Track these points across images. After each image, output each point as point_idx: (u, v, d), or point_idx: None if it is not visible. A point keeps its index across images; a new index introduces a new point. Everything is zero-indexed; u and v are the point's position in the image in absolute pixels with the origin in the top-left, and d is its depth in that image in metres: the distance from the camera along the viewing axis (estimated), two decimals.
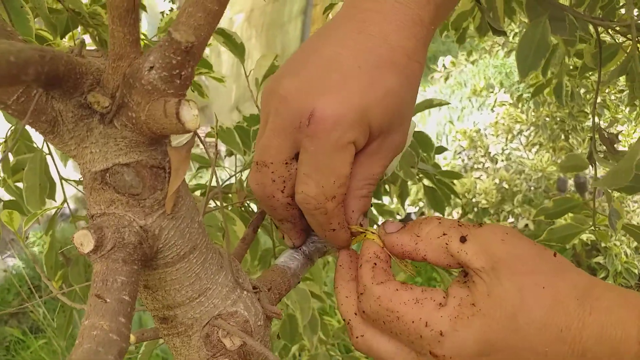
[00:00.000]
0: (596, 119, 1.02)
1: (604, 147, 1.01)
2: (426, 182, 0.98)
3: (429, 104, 0.88)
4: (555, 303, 0.36)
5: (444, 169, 1.04)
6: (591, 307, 0.35)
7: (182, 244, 0.35)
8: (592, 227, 1.00)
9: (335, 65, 0.41)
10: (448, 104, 0.92)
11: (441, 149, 1.13)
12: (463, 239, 0.39)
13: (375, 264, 0.41)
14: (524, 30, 0.71)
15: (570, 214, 1.04)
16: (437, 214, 0.96)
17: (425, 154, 0.94)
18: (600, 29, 0.92)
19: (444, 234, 0.40)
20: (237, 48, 0.75)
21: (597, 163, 0.97)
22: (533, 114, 2.90)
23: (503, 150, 3.37)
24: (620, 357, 0.34)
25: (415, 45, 0.42)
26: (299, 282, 0.48)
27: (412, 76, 0.42)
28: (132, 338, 0.40)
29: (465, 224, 0.40)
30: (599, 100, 2.51)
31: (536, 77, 2.23)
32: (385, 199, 1.21)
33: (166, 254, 0.34)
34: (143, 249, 0.32)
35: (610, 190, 0.96)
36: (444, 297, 0.38)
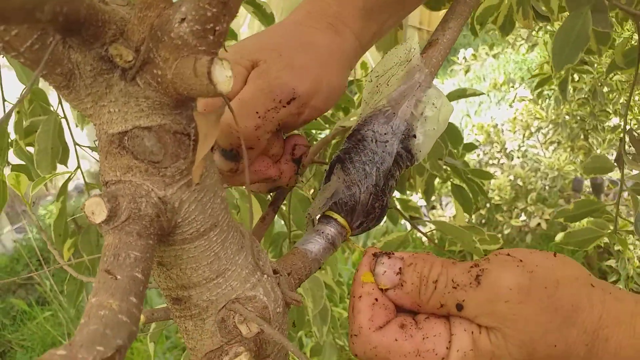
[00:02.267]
0: (624, 120, 0.98)
1: (633, 149, 0.97)
2: (455, 180, 0.94)
3: (462, 93, 0.85)
4: (565, 355, 0.35)
5: None
6: (597, 350, 0.35)
7: (202, 220, 0.31)
8: (613, 232, 0.96)
9: None
10: (482, 94, 0.88)
11: (471, 146, 1.07)
12: (460, 307, 0.36)
13: (376, 299, 0.37)
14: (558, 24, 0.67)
15: (590, 218, 1.00)
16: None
17: (454, 150, 0.90)
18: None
19: (442, 305, 0.37)
20: (267, 18, 0.72)
21: (625, 164, 0.93)
22: (553, 111, 2.84)
23: (520, 147, 3.32)
24: None
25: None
26: (319, 268, 0.45)
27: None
28: (142, 318, 0.37)
29: (460, 282, 0.36)
30: (622, 100, 2.46)
31: (540, 69, 2.16)
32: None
33: (185, 229, 0.31)
34: (160, 223, 0.29)
35: (638, 196, 0.92)
36: (447, 348, 0.35)
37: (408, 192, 1.01)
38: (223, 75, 0.25)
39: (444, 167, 0.88)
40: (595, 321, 0.35)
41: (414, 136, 0.48)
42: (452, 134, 0.93)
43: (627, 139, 0.97)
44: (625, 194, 0.99)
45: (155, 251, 0.29)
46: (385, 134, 0.47)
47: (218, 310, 0.35)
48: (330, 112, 0.87)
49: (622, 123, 0.95)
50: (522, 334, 0.34)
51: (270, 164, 0.47)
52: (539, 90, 3.12)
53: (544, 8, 0.83)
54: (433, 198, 3.20)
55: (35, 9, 0.20)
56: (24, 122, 0.75)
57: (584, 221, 1.06)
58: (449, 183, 0.98)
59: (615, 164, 0.95)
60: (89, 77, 0.27)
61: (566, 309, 0.35)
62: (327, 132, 0.84)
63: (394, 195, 1.09)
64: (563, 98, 1.35)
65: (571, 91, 2.69)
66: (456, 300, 0.36)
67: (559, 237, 0.95)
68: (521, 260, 0.36)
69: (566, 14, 0.72)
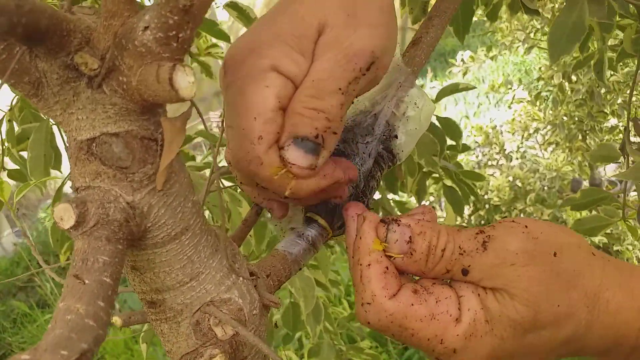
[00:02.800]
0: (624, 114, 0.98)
1: (638, 139, 0.97)
2: (447, 181, 0.94)
3: (455, 88, 0.85)
4: (567, 318, 0.36)
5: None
6: (599, 311, 0.37)
7: (173, 224, 0.32)
8: (623, 219, 0.96)
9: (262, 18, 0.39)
10: (474, 87, 0.88)
11: (465, 148, 1.08)
12: (465, 272, 0.37)
13: (387, 268, 0.37)
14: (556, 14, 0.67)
15: (600, 206, 1.00)
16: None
17: (451, 147, 0.90)
18: None
19: (448, 271, 0.38)
20: (251, 22, 0.72)
21: (629, 154, 0.93)
22: (551, 112, 2.85)
23: (518, 148, 3.32)
24: (617, 348, 0.38)
25: None
26: (300, 269, 0.46)
27: None
28: (119, 321, 0.37)
29: (467, 248, 0.37)
30: (619, 101, 2.46)
31: (576, 52, 2.15)
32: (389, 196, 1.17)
33: (155, 233, 0.32)
34: (130, 227, 0.30)
35: (621, 185, 0.91)
36: (458, 309, 0.37)
37: (401, 192, 1.01)
38: (185, 81, 0.26)
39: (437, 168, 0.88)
40: (595, 285, 0.37)
41: (396, 136, 0.49)
42: (449, 128, 0.93)
43: (631, 127, 0.97)
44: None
45: (125, 256, 0.30)
46: (365, 135, 0.48)
47: (193, 313, 0.35)
48: None
49: (628, 111, 0.94)
50: (527, 293, 0.36)
51: (332, 164, 0.40)
52: (538, 92, 3.13)
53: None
54: (432, 199, 3.20)
55: None
56: (15, 130, 0.76)
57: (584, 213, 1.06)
58: (441, 184, 0.99)
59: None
60: (56, 86, 0.28)
61: (568, 274, 0.37)
62: None
63: (389, 197, 1.10)
64: (599, 80, 1.30)
65: (569, 92, 2.70)
66: (462, 266, 0.37)
67: (570, 224, 0.95)
68: (526, 227, 0.37)
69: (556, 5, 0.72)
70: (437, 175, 0.94)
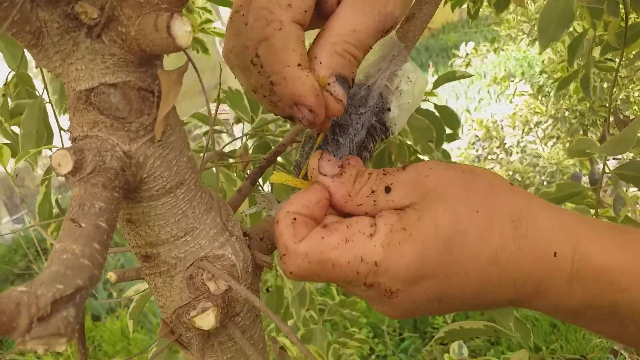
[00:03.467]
0: (612, 106, 0.98)
1: (618, 131, 0.97)
2: None
3: (452, 76, 0.85)
4: (489, 226, 0.35)
5: (457, 159, 1.01)
6: (526, 229, 0.35)
7: (168, 177, 0.33)
8: (595, 216, 0.97)
9: None
10: (471, 75, 0.88)
11: (452, 137, 1.08)
12: (388, 189, 0.37)
13: (294, 219, 0.37)
14: None
15: (571, 204, 1.00)
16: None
17: (451, 131, 0.91)
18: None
19: (372, 192, 0.38)
20: None
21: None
22: (553, 106, 2.85)
23: (519, 142, 3.32)
24: (553, 277, 0.35)
25: None
26: None
27: None
28: (113, 277, 0.38)
29: (390, 170, 0.38)
30: (622, 96, 2.46)
31: (562, 70, 2.16)
32: None
33: (151, 185, 0.32)
34: (125, 176, 0.30)
35: (624, 183, 0.92)
36: (371, 226, 0.36)
37: None
38: (182, 30, 0.27)
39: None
40: (518, 205, 0.36)
41: (389, 109, 0.50)
42: (448, 117, 0.94)
43: (611, 119, 0.97)
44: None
45: (120, 204, 0.30)
46: (359, 106, 0.48)
47: (186, 267, 0.36)
48: None
49: (608, 104, 0.95)
50: (443, 198, 0.36)
51: None
52: (540, 85, 3.13)
53: None
54: None
55: None
56: (9, 104, 0.77)
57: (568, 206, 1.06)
58: None
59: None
60: (56, 35, 0.28)
61: (484, 189, 0.37)
62: None
63: None
64: (586, 95, 1.34)
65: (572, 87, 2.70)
66: (385, 184, 0.38)
67: None
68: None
69: None
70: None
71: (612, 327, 0.38)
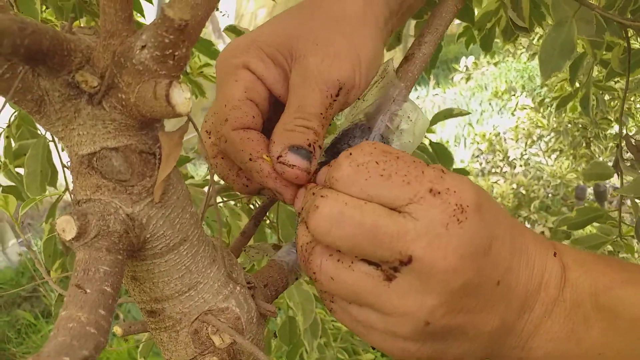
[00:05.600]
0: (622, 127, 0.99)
1: (631, 155, 0.97)
2: None
3: (448, 114, 0.86)
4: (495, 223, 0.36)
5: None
6: (523, 240, 0.38)
7: (171, 235, 0.33)
8: (618, 238, 0.96)
9: None
10: (468, 113, 0.88)
11: (461, 172, 1.09)
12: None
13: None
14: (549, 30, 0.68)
15: (596, 224, 1.00)
16: None
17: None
18: (630, 33, 0.88)
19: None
20: None
21: (623, 171, 0.93)
22: (555, 119, 2.85)
23: (522, 155, 3.32)
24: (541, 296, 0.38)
25: None
26: (297, 279, 0.46)
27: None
28: (119, 331, 0.38)
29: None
30: (626, 107, 2.46)
31: (561, 89, 2.17)
32: None
33: (154, 244, 0.33)
34: (129, 238, 0.31)
35: (638, 201, 0.92)
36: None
37: None
38: (182, 97, 0.27)
39: None
40: (510, 223, 0.37)
41: None
42: (442, 154, 0.94)
43: (623, 144, 0.97)
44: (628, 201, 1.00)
45: (125, 266, 0.31)
46: None
47: (191, 322, 0.36)
48: None
49: (618, 130, 0.95)
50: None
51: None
52: (541, 98, 3.13)
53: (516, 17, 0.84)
54: None
55: None
56: (13, 146, 0.77)
57: (587, 228, 1.06)
58: None
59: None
60: (58, 103, 0.29)
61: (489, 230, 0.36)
62: None
63: None
64: (586, 115, 1.34)
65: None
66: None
67: (567, 242, 0.95)
68: None
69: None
70: None
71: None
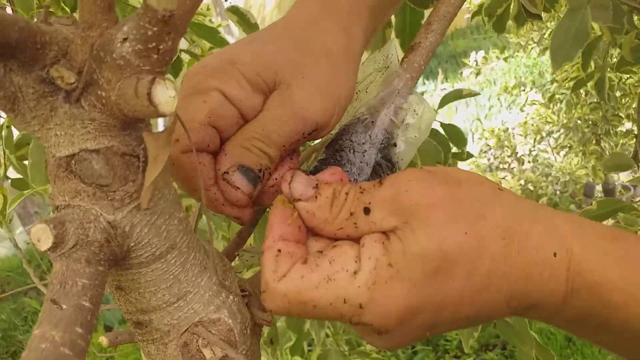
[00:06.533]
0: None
1: None
2: None
3: (458, 95, 0.83)
4: (479, 249, 0.33)
5: (468, 168, 0.99)
6: (519, 245, 0.33)
7: (157, 243, 0.31)
8: None
9: None
10: (478, 94, 0.86)
11: (469, 155, 1.06)
12: (367, 210, 0.35)
13: (279, 250, 0.35)
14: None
15: (621, 214, 0.97)
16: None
17: (458, 150, 0.88)
18: None
19: (351, 214, 0.35)
20: (251, 28, 0.70)
21: None
22: (565, 115, 2.81)
23: (530, 151, 3.28)
24: (547, 295, 0.34)
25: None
26: None
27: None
28: (105, 341, 0.36)
29: (367, 187, 0.36)
30: (634, 105, 2.42)
31: (578, 70, 2.13)
32: None
33: (139, 253, 0.30)
34: (111, 248, 0.28)
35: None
36: (356, 261, 0.33)
37: None
38: (165, 96, 0.25)
39: None
40: (508, 216, 0.34)
41: (395, 145, 0.47)
42: (454, 135, 0.92)
43: None
44: None
45: (106, 277, 0.28)
46: (363, 143, 0.46)
47: (180, 334, 0.34)
48: None
49: (637, 121, 0.94)
50: (427, 223, 0.33)
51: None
52: (551, 94, 3.09)
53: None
54: None
55: None
56: (15, 136, 0.75)
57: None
58: None
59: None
60: (32, 100, 0.26)
61: (472, 202, 0.34)
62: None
63: None
64: (601, 99, 1.30)
65: (583, 95, 2.66)
66: (363, 204, 0.35)
67: None
68: (422, 167, 0.36)
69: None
70: None
71: (606, 339, 0.37)
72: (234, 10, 0.70)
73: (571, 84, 2.54)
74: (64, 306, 0.26)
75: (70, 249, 0.27)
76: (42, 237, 0.27)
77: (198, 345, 0.34)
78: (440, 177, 0.35)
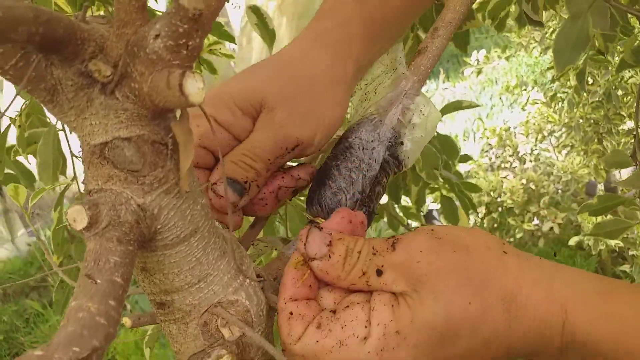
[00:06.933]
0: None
1: None
2: (443, 191, 0.94)
3: (458, 106, 0.85)
4: (483, 315, 0.36)
5: (469, 167, 1.01)
6: (517, 312, 0.37)
7: (182, 226, 0.33)
8: None
9: None
10: (478, 106, 0.88)
11: (465, 158, 1.08)
12: (379, 272, 0.38)
13: (291, 313, 0.38)
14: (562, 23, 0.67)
15: (621, 207, 0.99)
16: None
17: (449, 161, 0.91)
18: None
19: (364, 274, 0.38)
20: (268, 33, 0.72)
21: (639, 163, 0.93)
22: (566, 114, 2.82)
23: (532, 150, 3.30)
24: (544, 350, 0.37)
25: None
26: None
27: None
28: (128, 322, 0.38)
29: (379, 249, 0.39)
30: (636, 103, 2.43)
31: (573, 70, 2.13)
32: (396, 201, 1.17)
33: (165, 235, 0.32)
34: (140, 229, 0.31)
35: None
36: (366, 327, 0.37)
37: (404, 196, 1.02)
38: (195, 87, 0.27)
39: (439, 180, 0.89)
40: (511, 282, 0.37)
41: (401, 143, 0.49)
42: (447, 146, 0.94)
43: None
44: None
45: (135, 257, 0.31)
46: (372, 141, 0.48)
47: (200, 314, 0.36)
48: None
49: (635, 119, 0.95)
50: (435, 294, 0.36)
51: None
52: (553, 93, 3.10)
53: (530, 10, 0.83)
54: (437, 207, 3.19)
55: (9, 31, 0.21)
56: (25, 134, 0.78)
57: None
58: (438, 194, 0.99)
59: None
60: (70, 92, 0.29)
61: (478, 271, 0.37)
62: None
63: (394, 203, 1.10)
64: (581, 88, 1.32)
65: (585, 94, 2.67)
66: (376, 266, 0.38)
67: (576, 238, 0.95)
68: (432, 230, 0.39)
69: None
70: (435, 185, 0.95)
71: None
72: (255, 11, 0.71)
73: (572, 83, 2.56)
74: (98, 281, 0.28)
75: (103, 228, 0.29)
76: (78, 217, 0.29)
77: (217, 325, 0.36)
78: (449, 246, 0.38)
